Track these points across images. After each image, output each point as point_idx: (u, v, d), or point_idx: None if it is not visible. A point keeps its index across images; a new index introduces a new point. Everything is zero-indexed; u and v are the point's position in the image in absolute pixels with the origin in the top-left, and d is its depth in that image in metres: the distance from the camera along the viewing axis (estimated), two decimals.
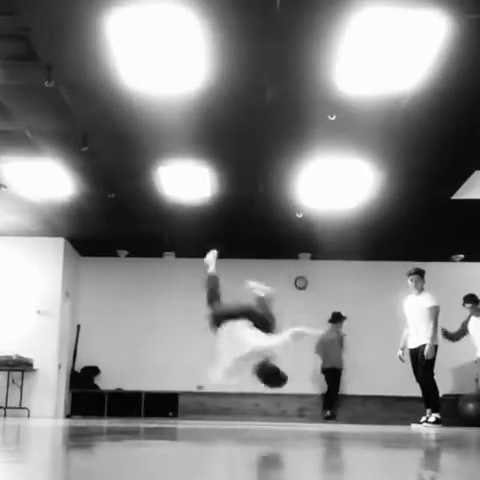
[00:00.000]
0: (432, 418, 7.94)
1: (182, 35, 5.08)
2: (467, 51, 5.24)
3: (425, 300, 8.16)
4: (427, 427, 7.83)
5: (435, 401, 8.05)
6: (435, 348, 8.02)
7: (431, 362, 7.99)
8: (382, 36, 5.07)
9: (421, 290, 8.27)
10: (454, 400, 10.30)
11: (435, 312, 8.07)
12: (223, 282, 11.57)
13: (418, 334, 8.11)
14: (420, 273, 8.31)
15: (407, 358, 8.26)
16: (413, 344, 8.19)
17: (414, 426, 8.23)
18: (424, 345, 8.00)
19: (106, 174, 8.01)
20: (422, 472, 2.06)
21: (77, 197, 8.73)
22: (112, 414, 10.89)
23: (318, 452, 3.06)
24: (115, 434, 4.38)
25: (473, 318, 8.53)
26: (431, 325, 8.02)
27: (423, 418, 8.11)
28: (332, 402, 10.34)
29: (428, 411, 8.09)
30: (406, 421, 9.20)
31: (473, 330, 8.49)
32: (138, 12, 4.82)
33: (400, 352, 8.34)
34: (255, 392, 11.14)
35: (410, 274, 8.32)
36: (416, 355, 8.11)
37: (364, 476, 1.98)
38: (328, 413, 10.25)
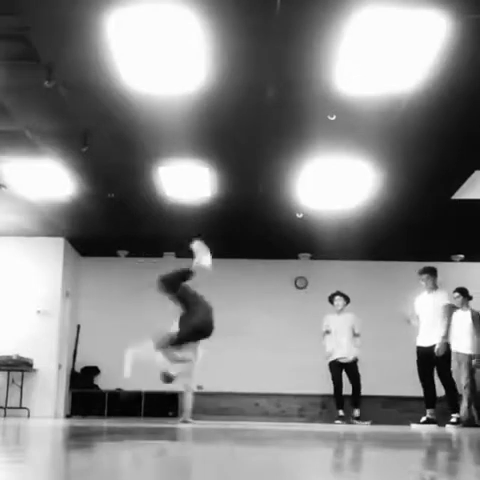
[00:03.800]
0: (454, 419, 7.88)
1: (182, 35, 5.08)
2: (467, 51, 5.24)
3: (439, 298, 8.08)
4: (450, 428, 7.72)
5: (455, 401, 7.99)
6: (447, 346, 7.96)
7: (447, 363, 7.94)
8: (382, 36, 5.07)
9: (434, 288, 8.20)
10: None
11: (450, 310, 8.01)
12: (223, 282, 11.59)
13: (432, 333, 8.01)
14: (430, 271, 8.25)
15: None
16: (424, 342, 8.11)
17: (414, 426, 8.21)
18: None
19: (106, 174, 8.01)
20: (422, 472, 2.06)
21: (77, 197, 8.73)
22: (112, 414, 10.89)
23: (318, 452, 3.06)
24: (115, 434, 4.38)
25: (459, 311, 8.31)
26: (445, 323, 7.97)
27: (423, 418, 8.09)
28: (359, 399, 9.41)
29: (428, 411, 8.07)
30: (406, 421, 9.19)
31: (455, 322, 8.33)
32: (138, 12, 4.82)
33: (409, 313, 8.28)
34: (255, 392, 11.17)
35: (420, 273, 8.26)
36: (427, 354, 8.03)
37: (364, 476, 1.98)
38: (357, 413, 9.33)
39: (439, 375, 8.06)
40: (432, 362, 8.06)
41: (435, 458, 2.83)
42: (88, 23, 4.96)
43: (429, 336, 8.09)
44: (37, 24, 5.04)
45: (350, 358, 9.37)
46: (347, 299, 9.52)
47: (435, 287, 8.24)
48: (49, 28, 5.08)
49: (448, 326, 7.99)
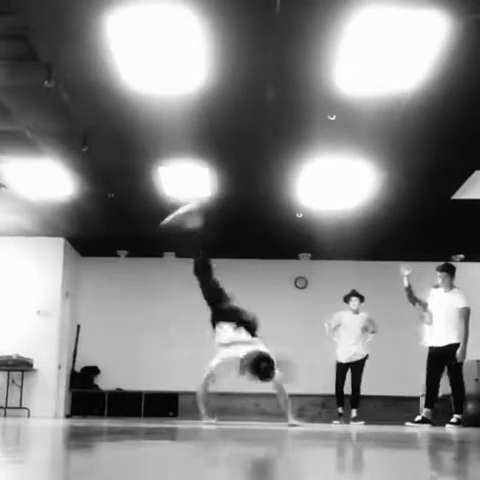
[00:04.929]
0: (454, 419, 7.82)
1: (182, 35, 5.09)
2: (467, 51, 5.24)
3: (455, 300, 7.90)
4: (451, 428, 7.70)
5: (461, 402, 7.94)
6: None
7: (460, 363, 7.85)
8: (382, 36, 5.07)
9: (450, 287, 8.00)
10: None
11: (467, 313, 7.83)
12: (223, 282, 11.57)
13: (446, 333, 7.85)
14: (449, 270, 8.04)
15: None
16: (437, 342, 7.93)
17: (408, 424, 8.17)
18: (452, 345, 7.79)
19: (106, 174, 8.02)
20: (422, 472, 2.06)
21: (77, 197, 8.73)
22: (112, 414, 10.89)
23: (318, 452, 3.06)
24: (115, 434, 4.38)
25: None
26: (461, 326, 7.78)
27: (418, 417, 8.05)
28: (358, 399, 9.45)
29: (425, 410, 8.04)
30: (406, 421, 9.19)
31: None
32: (138, 12, 4.82)
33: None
34: (255, 392, 11.16)
35: (439, 270, 8.04)
36: (440, 354, 7.87)
37: (364, 476, 1.98)
38: (355, 413, 9.32)
39: (450, 374, 7.96)
40: (444, 363, 7.96)
41: (436, 458, 2.83)
42: (88, 23, 4.96)
43: (443, 336, 7.88)
44: (37, 24, 5.04)
45: (358, 357, 9.44)
46: (362, 299, 9.64)
47: (451, 287, 8.00)
48: (49, 28, 5.08)
49: (466, 330, 7.76)
